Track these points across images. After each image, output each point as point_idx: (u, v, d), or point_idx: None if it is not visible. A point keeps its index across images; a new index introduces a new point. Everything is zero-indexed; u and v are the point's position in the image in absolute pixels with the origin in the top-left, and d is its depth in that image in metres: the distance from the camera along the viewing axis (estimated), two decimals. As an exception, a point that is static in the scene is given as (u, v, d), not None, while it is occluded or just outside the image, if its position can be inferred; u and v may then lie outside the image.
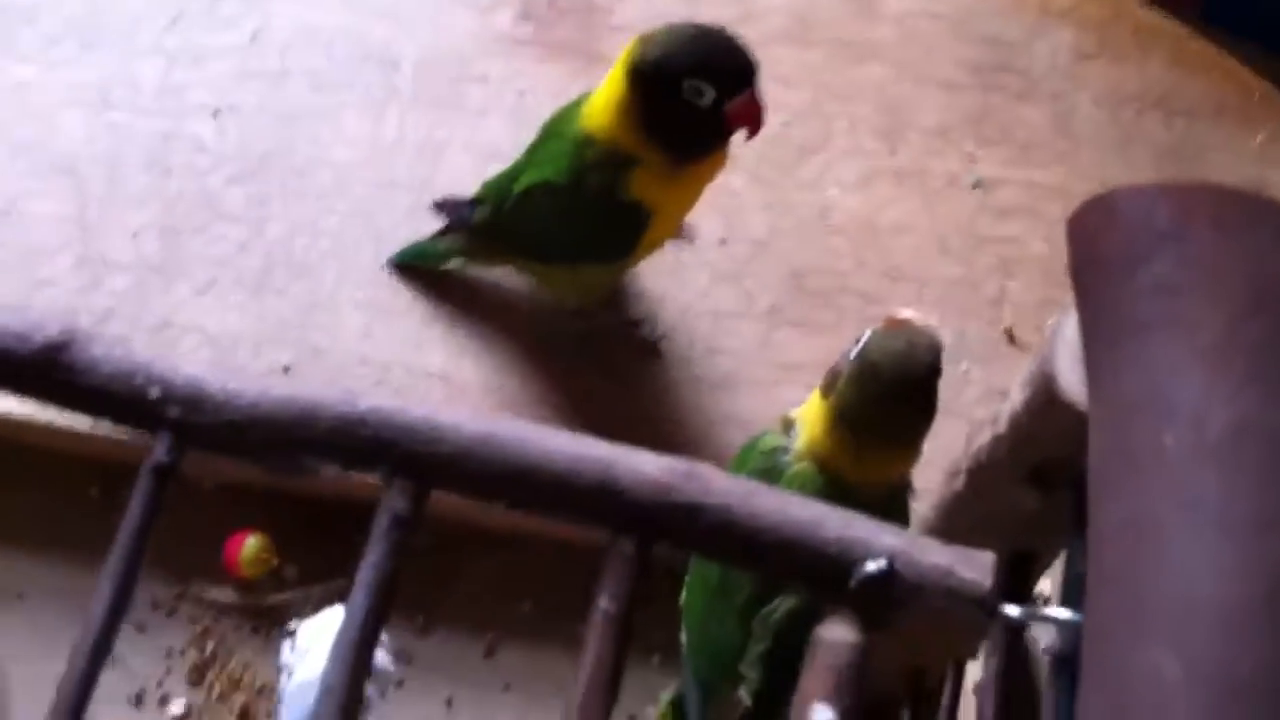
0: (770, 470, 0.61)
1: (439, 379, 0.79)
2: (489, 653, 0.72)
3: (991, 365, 0.82)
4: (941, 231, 0.86)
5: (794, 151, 0.88)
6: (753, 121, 0.67)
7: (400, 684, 0.70)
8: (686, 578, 0.65)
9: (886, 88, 0.90)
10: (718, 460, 0.76)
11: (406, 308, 0.81)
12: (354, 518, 0.73)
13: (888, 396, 0.59)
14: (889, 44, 0.92)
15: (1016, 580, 0.50)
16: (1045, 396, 0.39)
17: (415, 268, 0.82)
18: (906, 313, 0.61)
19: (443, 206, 0.80)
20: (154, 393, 0.39)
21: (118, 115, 0.87)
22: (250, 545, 0.71)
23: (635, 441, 0.76)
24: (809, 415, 0.62)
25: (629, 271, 0.80)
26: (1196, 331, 0.35)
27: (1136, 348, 0.34)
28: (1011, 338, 0.83)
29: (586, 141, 0.69)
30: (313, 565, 0.73)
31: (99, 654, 0.38)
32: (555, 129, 0.73)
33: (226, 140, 0.86)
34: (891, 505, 0.63)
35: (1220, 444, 0.35)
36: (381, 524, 0.41)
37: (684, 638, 0.64)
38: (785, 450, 0.62)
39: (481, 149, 0.86)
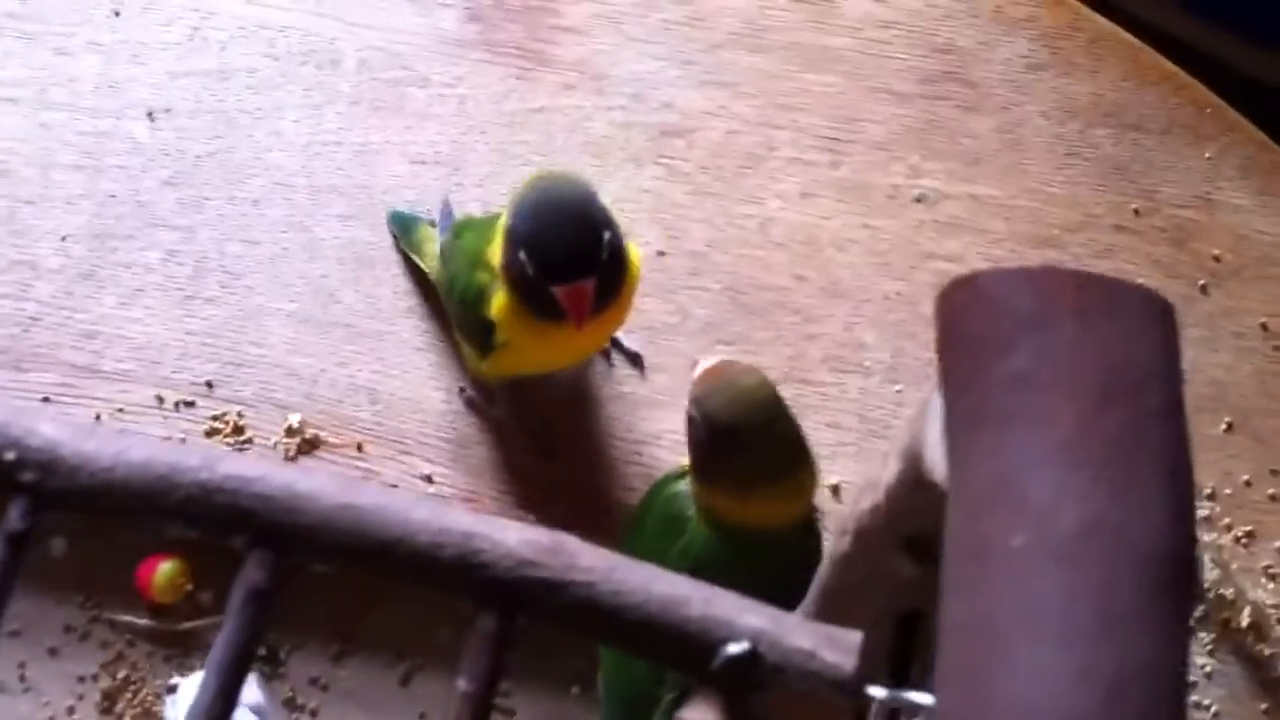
0: (676, 519, 0.61)
1: (365, 393, 0.79)
2: (405, 681, 0.71)
3: (925, 387, 0.81)
4: (882, 247, 0.85)
5: (738, 161, 0.87)
6: (573, 311, 0.65)
7: (314, 714, 0.70)
8: None
9: (836, 97, 0.89)
10: (645, 478, 0.76)
11: (336, 321, 0.80)
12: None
13: (733, 448, 0.58)
14: (842, 52, 0.90)
15: (901, 644, 0.50)
16: (914, 472, 0.38)
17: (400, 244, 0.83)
18: (709, 361, 0.61)
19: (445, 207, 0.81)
20: (8, 456, 0.38)
21: (53, 114, 0.85)
22: (164, 571, 0.70)
23: (564, 460, 0.75)
24: (690, 474, 0.61)
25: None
26: (1051, 426, 0.35)
27: (993, 439, 0.34)
28: (948, 358, 0.82)
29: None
30: (227, 590, 0.72)
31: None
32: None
33: (161, 141, 0.85)
34: (805, 538, 0.62)
35: (1067, 544, 0.34)
36: (238, 597, 0.40)
37: (600, 689, 0.64)
38: (688, 499, 0.61)
39: (419, 155, 0.85)
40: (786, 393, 0.78)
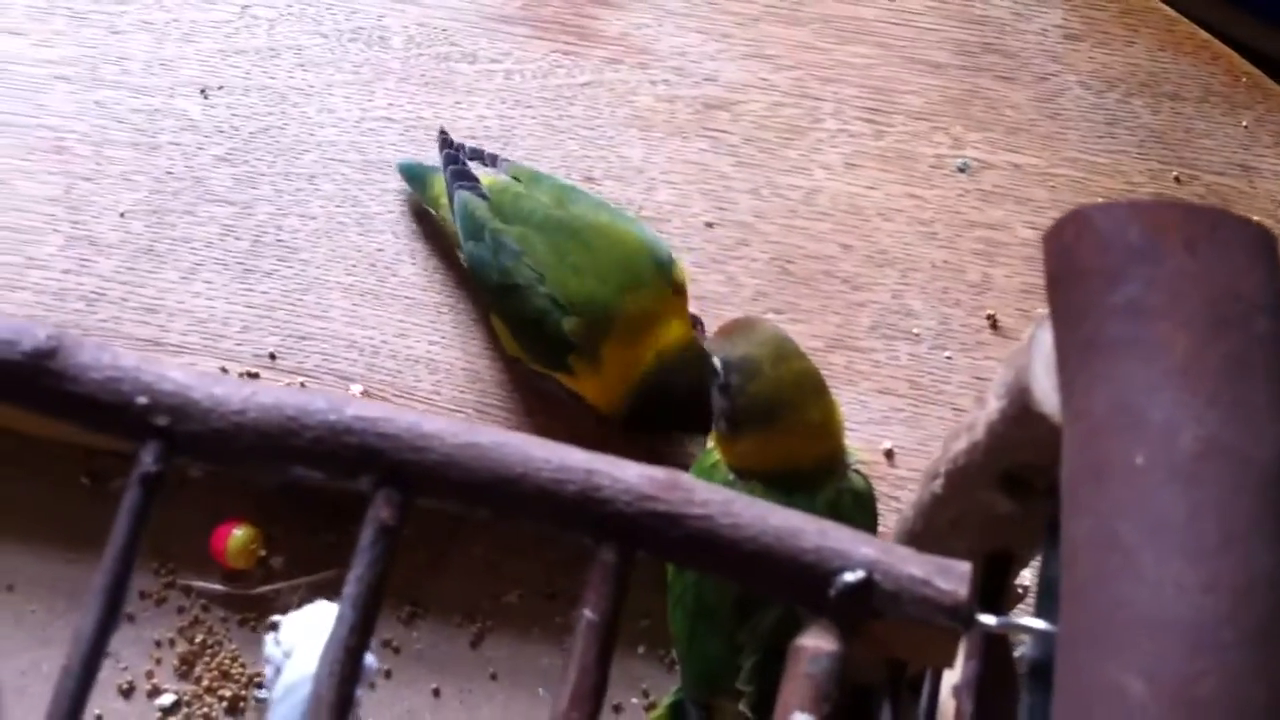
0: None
1: (424, 364, 0.80)
2: (475, 643, 0.73)
3: (974, 353, 0.82)
4: (927, 215, 0.86)
5: (781, 132, 0.88)
6: None
7: (388, 675, 0.71)
8: (669, 600, 0.65)
9: (874, 68, 0.90)
10: (703, 442, 0.77)
11: (393, 292, 0.82)
12: (340, 508, 0.74)
13: (753, 385, 0.61)
14: (877, 23, 0.92)
15: (993, 582, 0.52)
16: (1020, 406, 0.39)
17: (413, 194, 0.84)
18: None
19: (446, 143, 0.80)
20: (141, 400, 0.39)
21: (106, 92, 0.86)
22: (237, 537, 0.71)
23: (619, 439, 0.76)
24: (729, 456, 0.63)
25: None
26: (1166, 352, 0.36)
27: (1109, 366, 0.35)
28: (994, 324, 0.83)
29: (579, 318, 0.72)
30: (300, 555, 0.74)
31: (90, 670, 0.39)
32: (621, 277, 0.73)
33: (215, 118, 0.86)
34: (839, 492, 0.62)
35: (1187, 463, 0.35)
36: (368, 535, 0.41)
37: (676, 657, 0.65)
38: (730, 483, 0.63)
39: (469, 130, 0.86)
40: (836, 360, 0.80)
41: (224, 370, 0.79)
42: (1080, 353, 0.37)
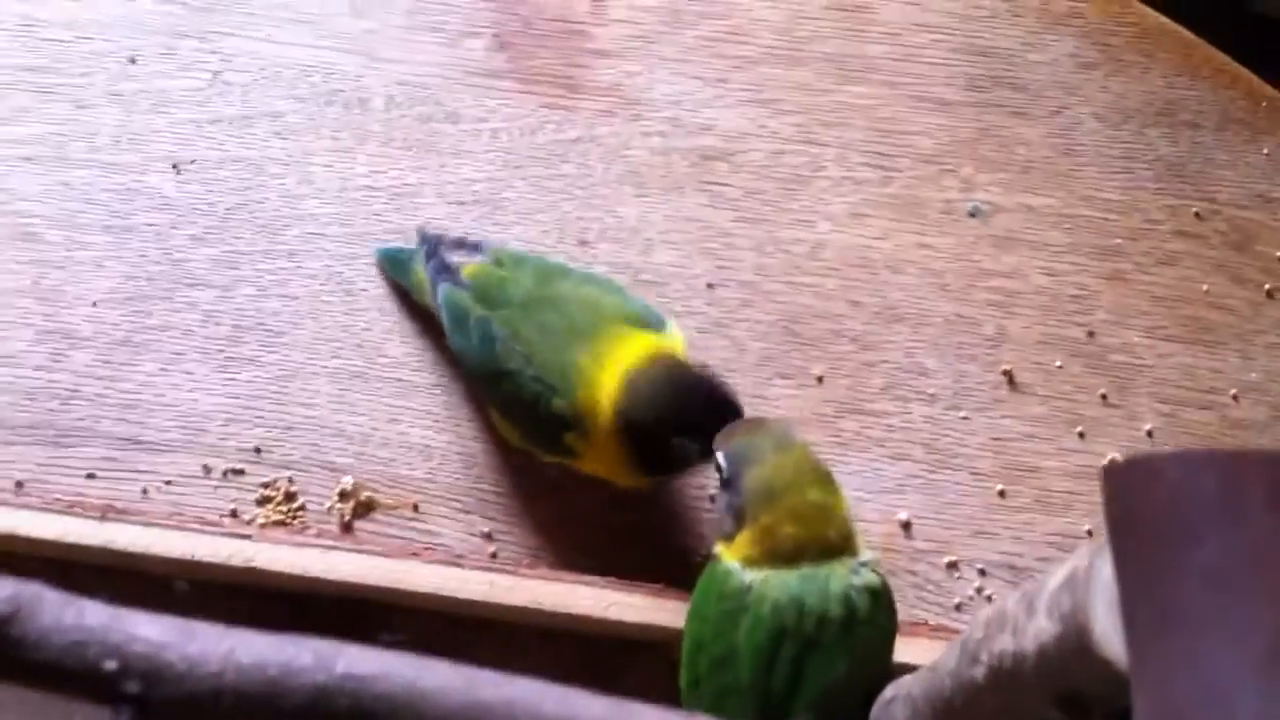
0: (735, 594, 0.60)
1: (418, 450, 0.76)
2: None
3: (991, 412, 0.79)
4: (938, 266, 0.82)
5: (783, 182, 0.84)
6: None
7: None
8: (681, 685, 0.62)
9: (879, 108, 0.86)
10: (715, 525, 0.74)
11: (381, 374, 0.78)
12: (335, 616, 0.71)
13: (756, 475, 0.61)
14: (881, 60, 0.88)
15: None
16: (1078, 640, 0.36)
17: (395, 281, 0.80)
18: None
19: (424, 239, 0.77)
20: (110, 665, 0.36)
21: (75, 172, 0.83)
22: (229, 651, 0.68)
23: (629, 506, 0.73)
24: (734, 554, 0.61)
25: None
26: (1254, 633, 0.32)
27: (1189, 644, 0.31)
28: (1011, 380, 0.79)
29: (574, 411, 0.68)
30: (296, 665, 0.70)
31: None
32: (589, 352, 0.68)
33: (189, 194, 0.82)
34: (855, 589, 0.60)
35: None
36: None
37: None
38: (740, 570, 0.60)
39: (456, 195, 0.83)
40: (848, 426, 0.77)
41: (207, 469, 0.76)
42: (1154, 622, 0.33)
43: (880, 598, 0.60)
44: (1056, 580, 0.37)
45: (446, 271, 0.74)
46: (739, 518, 0.61)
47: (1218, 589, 0.31)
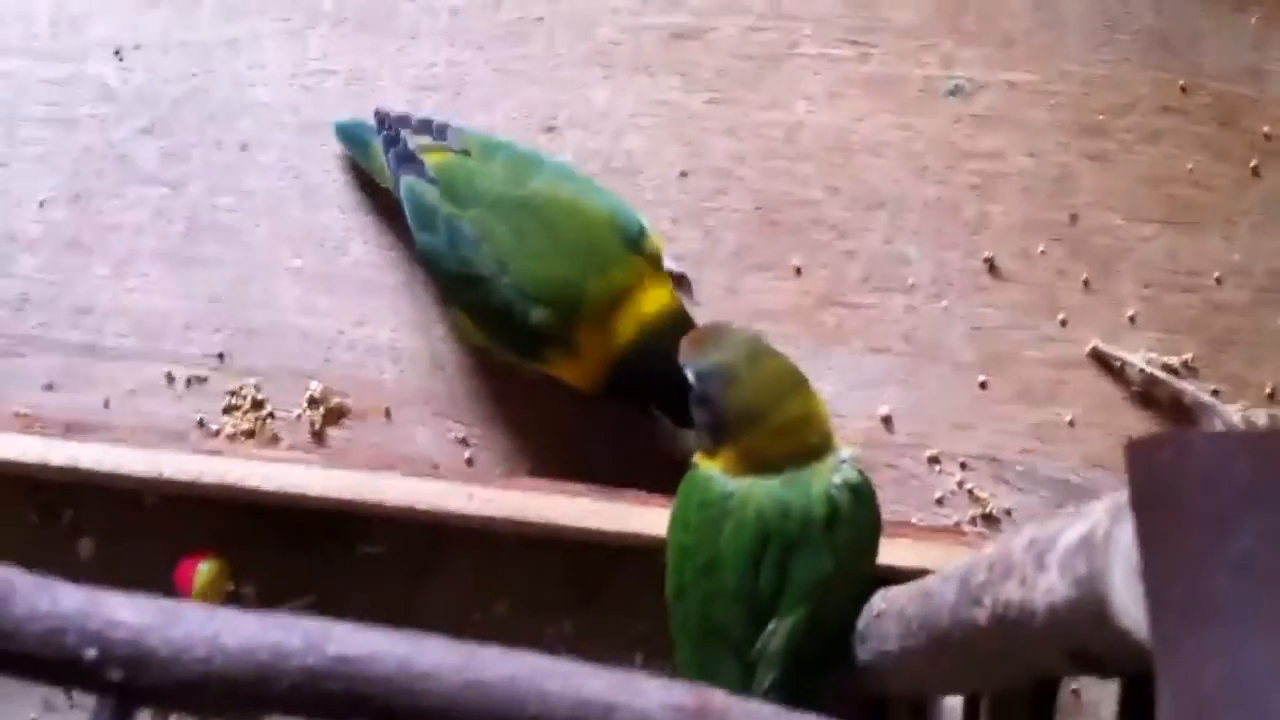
0: (717, 501, 0.60)
1: (386, 354, 0.74)
2: (465, 660, 0.69)
3: (972, 299, 0.77)
4: (918, 148, 0.80)
5: (757, 62, 0.80)
6: None
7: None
8: (671, 627, 0.62)
9: (855, -21, 0.82)
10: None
11: (345, 275, 0.75)
12: (310, 527, 0.69)
13: (732, 391, 0.61)
14: (856, -74, 0.83)
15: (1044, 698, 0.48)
16: (1095, 607, 0.35)
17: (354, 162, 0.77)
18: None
19: (383, 122, 0.73)
20: (90, 654, 0.34)
21: (11, 61, 0.78)
22: (204, 572, 0.67)
23: (600, 416, 0.72)
24: (716, 465, 0.61)
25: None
26: None
27: (1221, 636, 0.30)
28: (992, 268, 0.78)
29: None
30: (273, 582, 0.70)
31: None
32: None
33: (133, 84, 0.78)
34: (836, 488, 0.60)
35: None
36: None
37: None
38: (721, 478, 0.60)
39: (416, 79, 0.79)
40: (827, 318, 0.76)
41: (170, 377, 0.73)
42: (1183, 609, 0.32)
43: (862, 493, 0.60)
44: (1070, 539, 0.36)
45: (410, 162, 0.70)
46: (718, 436, 0.61)
47: (1253, 579, 0.30)
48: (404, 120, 0.73)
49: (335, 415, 0.73)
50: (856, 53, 0.81)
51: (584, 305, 0.67)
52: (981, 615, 0.42)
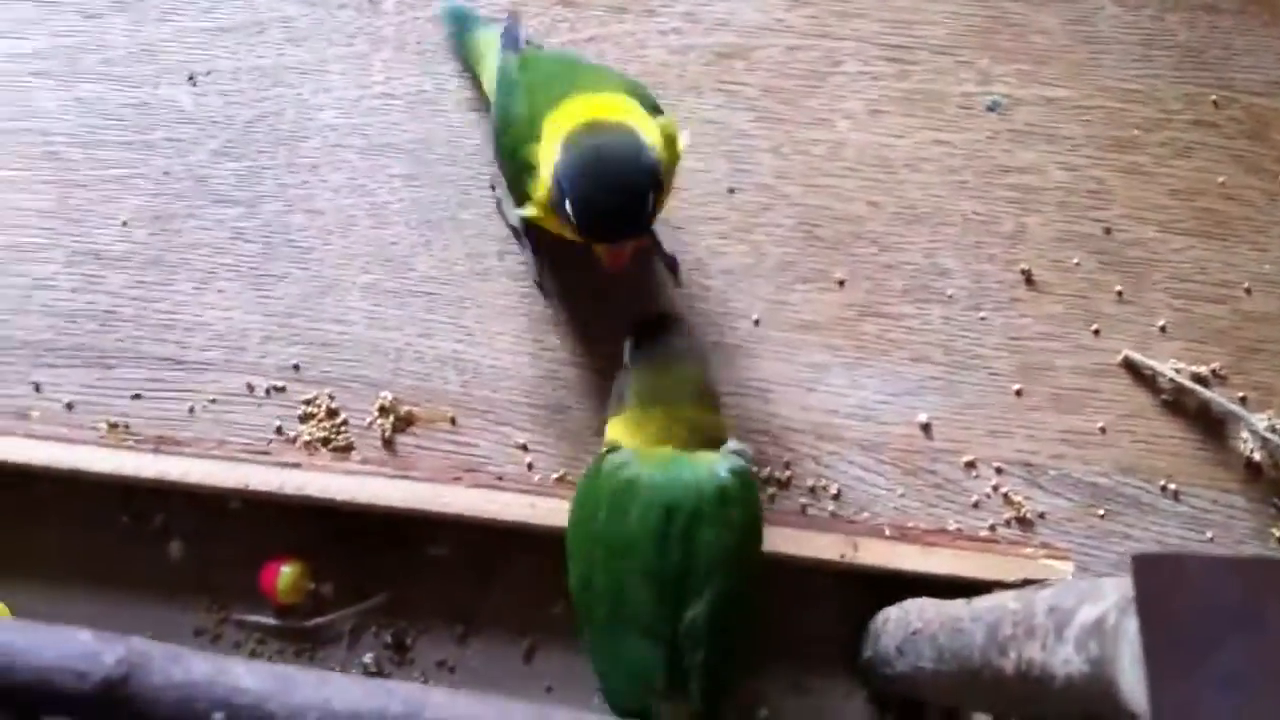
0: (628, 485, 0.63)
1: (451, 364, 0.78)
2: (527, 657, 0.74)
3: (1008, 311, 0.81)
4: (956, 163, 0.83)
5: (800, 80, 0.84)
6: (611, 263, 0.68)
7: (446, 699, 0.72)
8: (577, 619, 0.65)
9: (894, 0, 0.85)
10: (741, 427, 0.77)
11: (412, 289, 0.80)
12: (382, 530, 0.74)
13: (658, 374, 0.66)
14: (897, -55, 0.86)
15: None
16: (1105, 687, 0.38)
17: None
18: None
19: (511, 15, 0.79)
20: (217, 717, 0.38)
21: (90, 86, 0.82)
22: (286, 575, 0.72)
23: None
24: (621, 434, 0.66)
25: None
26: None
27: None
28: (1029, 279, 0.81)
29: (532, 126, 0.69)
30: (347, 581, 0.74)
31: None
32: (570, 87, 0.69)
33: (208, 107, 0.82)
34: (721, 475, 0.64)
35: None
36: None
37: (598, 678, 0.65)
38: (629, 461, 0.64)
39: (474, 102, 0.82)
40: (869, 328, 0.79)
41: (250, 387, 0.78)
42: (1177, 713, 0.35)
43: (745, 479, 0.64)
44: (1086, 618, 0.40)
45: (514, 45, 0.76)
46: (622, 401, 0.67)
47: (1240, 693, 0.34)
48: (519, 21, 0.78)
49: (404, 423, 0.78)
50: (896, 70, 0.84)
51: (552, 109, 0.67)
52: (1008, 665, 0.45)
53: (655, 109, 0.70)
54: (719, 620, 0.62)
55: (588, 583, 0.64)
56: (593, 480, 0.65)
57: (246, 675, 0.39)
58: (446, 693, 0.39)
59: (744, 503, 0.64)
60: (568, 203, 0.64)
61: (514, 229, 0.80)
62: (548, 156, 0.66)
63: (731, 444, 0.66)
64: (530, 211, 0.70)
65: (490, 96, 0.76)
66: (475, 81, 0.81)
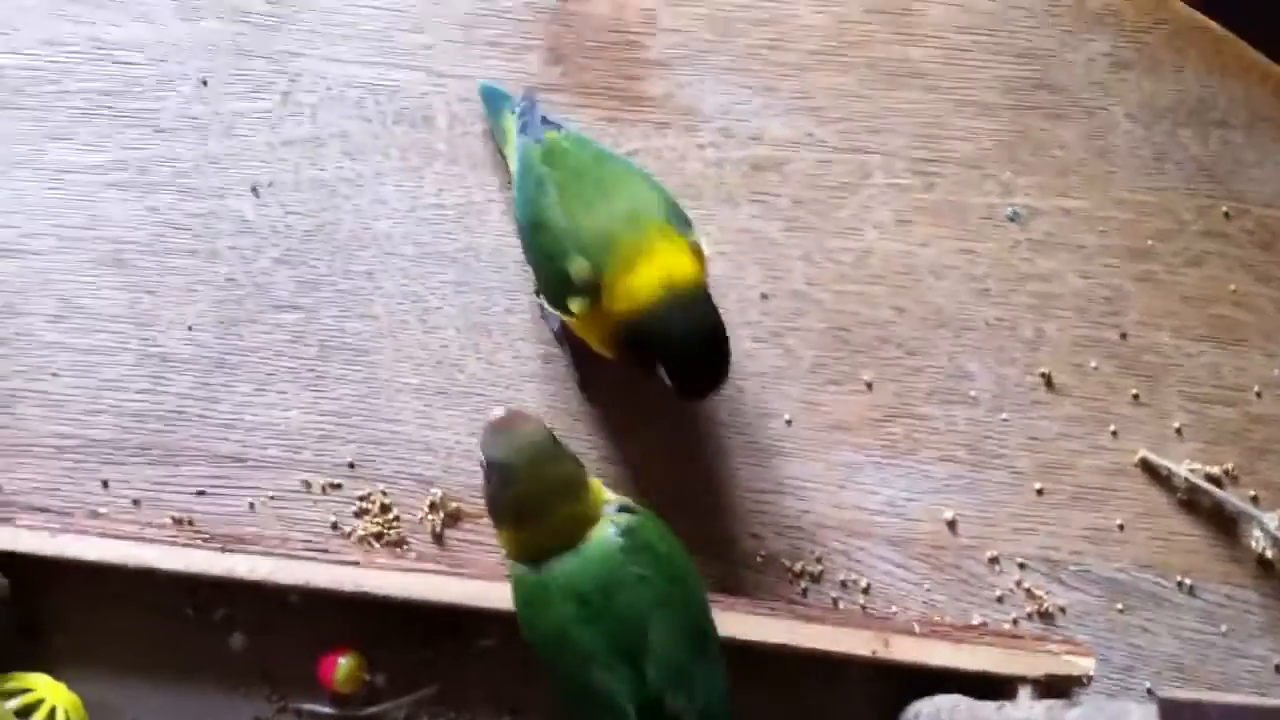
0: (544, 607, 0.66)
1: (501, 464, 0.82)
2: (573, 746, 0.77)
3: (1030, 413, 0.84)
4: (979, 271, 0.87)
5: (831, 191, 0.88)
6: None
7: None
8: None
9: (923, 113, 0.90)
10: (773, 525, 0.81)
11: (462, 390, 0.84)
12: (434, 625, 0.78)
13: (510, 487, 0.67)
14: (924, 64, 0.91)
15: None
16: None
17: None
18: (498, 411, 0.69)
19: (527, 97, 0.83)
20: None
21: (159, 196, 0.87)
22: (344, 666, 0.75)
23: (690, 511, 0.79)
24: (511, 551, 0.68)
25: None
26: None
27: None
28: (1049, 382, 0.85)
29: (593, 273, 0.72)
30: (401, 672, 0.78)
31: None
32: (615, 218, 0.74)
33: (269, 218, 0.87)
34: (614, 548, 0.67)
35: None
36: None
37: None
38: (539, 584, 0.67)
39: (521, 211, 0.87)
40: (896, 429, 0.83)
41: (307, 485, 0.82)
42: None
43: (637, 527, 0.67)
44: None
45: (531, 128, 0.80)
46: (498, 518, 0.68)
47: None
48: (536, 103, 0.83)
49: (454, 519, 0.82)
50: (923, 183, 0.89)
51: (612, 256, 0.71)
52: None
53: (685, 222, 0.75)
54: (679, 654, 0.65)
55: (553, 673, 0.68)
56: (513, 594, 0.69)
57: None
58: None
59: (645, 550, 0.66)
60: (663, 370, 0.71)
61: (555, 334, 0.84)
62: (622, 307, 0.71)
63: (610, 504, 0.68)
64: (568, 318, 0.74)
65: (513, 181, 0.81)
66: (504, 162, 0.85)
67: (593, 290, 0.72)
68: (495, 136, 0.86)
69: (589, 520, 0.67)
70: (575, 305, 0.73)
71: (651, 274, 0.71)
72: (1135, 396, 0.85)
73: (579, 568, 0.66)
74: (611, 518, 0.68)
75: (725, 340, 0.72)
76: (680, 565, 0.68)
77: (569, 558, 0.66)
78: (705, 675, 0.66)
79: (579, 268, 0.72)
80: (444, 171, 0.88)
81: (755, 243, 0.87)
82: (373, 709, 0.77)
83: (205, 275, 0.86)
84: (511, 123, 0.83)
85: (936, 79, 0.91)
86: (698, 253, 0.74)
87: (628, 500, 0.70)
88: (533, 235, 0.77)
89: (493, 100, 0.86)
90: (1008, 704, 0.65)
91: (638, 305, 0.71)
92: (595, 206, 0.74)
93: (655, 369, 0.72)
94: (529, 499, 0.67)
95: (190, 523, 0.81)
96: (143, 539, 0.76)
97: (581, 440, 0.83)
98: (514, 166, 0.81)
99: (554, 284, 0.75)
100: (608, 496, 0.69)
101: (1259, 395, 0.85)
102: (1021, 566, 0.82)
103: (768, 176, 0.89)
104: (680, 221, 0.75)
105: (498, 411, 0.69)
